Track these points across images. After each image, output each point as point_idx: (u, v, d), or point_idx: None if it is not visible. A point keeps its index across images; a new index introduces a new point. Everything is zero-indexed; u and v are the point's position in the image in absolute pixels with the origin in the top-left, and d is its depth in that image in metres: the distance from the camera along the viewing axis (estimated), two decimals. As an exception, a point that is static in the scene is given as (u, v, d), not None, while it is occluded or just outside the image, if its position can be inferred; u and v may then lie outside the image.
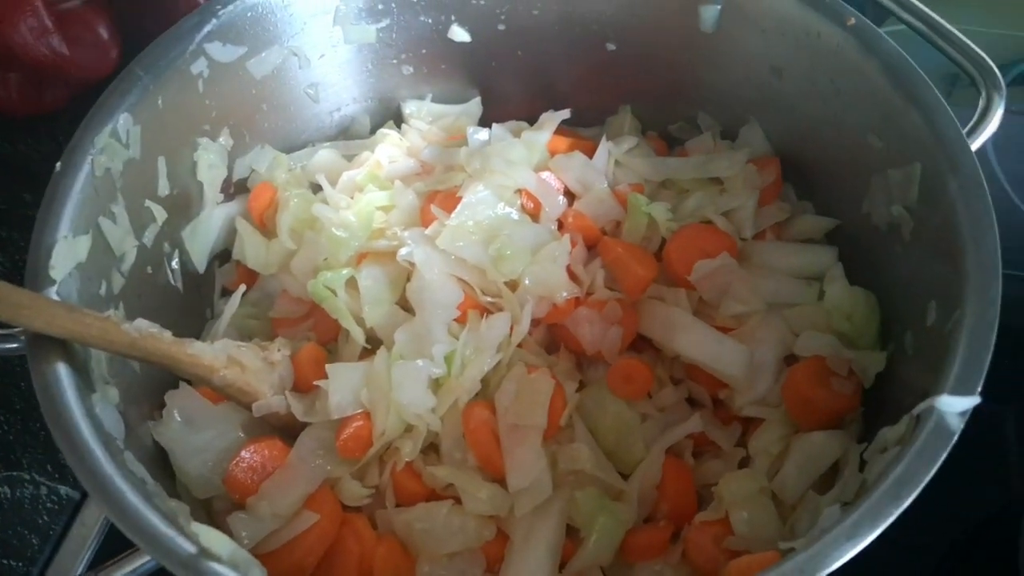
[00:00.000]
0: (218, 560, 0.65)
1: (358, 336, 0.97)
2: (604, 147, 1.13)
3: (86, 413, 0.74)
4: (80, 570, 1.01)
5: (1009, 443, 1.11)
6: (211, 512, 0.91)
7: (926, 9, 0.99)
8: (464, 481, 0.90)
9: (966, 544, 1.08)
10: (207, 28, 0.98)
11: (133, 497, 0.68)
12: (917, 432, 0.68)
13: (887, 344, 0.93)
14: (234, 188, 1.11)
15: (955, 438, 0.66)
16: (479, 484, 0.90)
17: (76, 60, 1.28)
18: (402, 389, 0.89)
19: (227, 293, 1.11)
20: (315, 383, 0.92)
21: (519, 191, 1.07)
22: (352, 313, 0.99)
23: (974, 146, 0.88)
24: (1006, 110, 0.94)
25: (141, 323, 0.82)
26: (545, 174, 1.10)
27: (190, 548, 0.65)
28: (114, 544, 1.02)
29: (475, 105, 1.23)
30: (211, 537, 0.67)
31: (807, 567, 0.60)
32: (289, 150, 1.15)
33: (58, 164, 0.87)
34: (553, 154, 1.13)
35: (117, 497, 0.68)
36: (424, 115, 1.21)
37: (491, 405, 0.94)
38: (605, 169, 1.12)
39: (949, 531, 1.07)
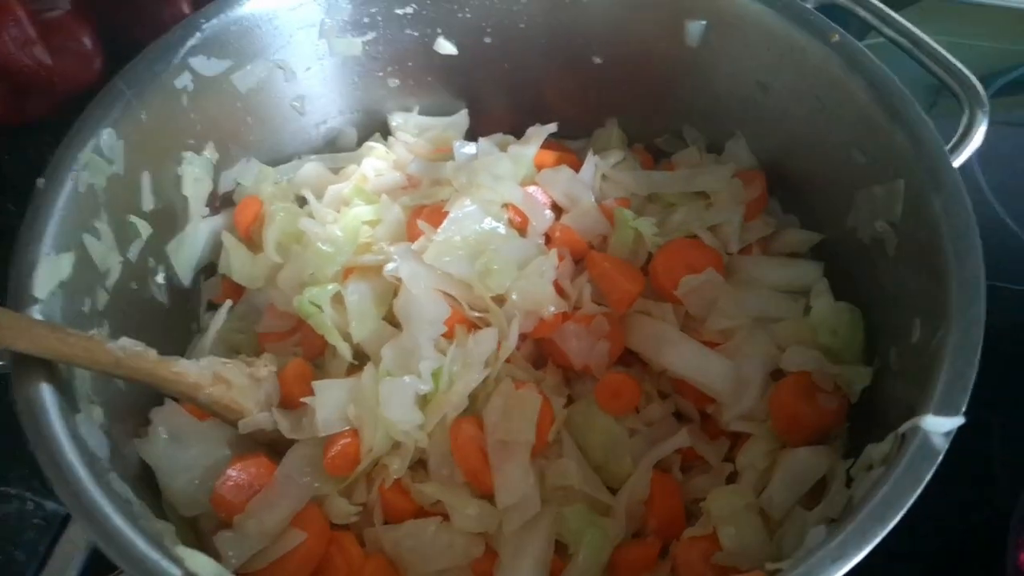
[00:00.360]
0: (203, 584, 0.65)
1: (345, 352, 0.97)
2: (591, 161, 1.13)
3: (70, 434, 0.73)
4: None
5: (994, 451, 1.12)
6: (198, 531, 0.91)
7: (909, 25, 0.99)
8: (452, 498, 0.89)
9: (952, 552, 1.08)
10: (191, 42, 0.97)
11: (118, 519, 0.68)
12: (902, 451, 0.68)
13: (872, 359, 0.94)
14: (220, 202, 1.10)
15: (939, 458, 0.66)
16: (467, 501, 0.90)
17: (59, 70, 1.27)
18: (389, 406, 0.89)
19: (213, 307, 1.10)
20: (302, 400, 0.92)
21: (506, 205, 1.07)
22: (339, 328, 0.98)
23: (957, 162, 0.90)
24: (990, 123, 0.94)
25: (126, 342, 0.81)
26: (532, 188, 1.10)
27: (175, 572, 0.65)
28: (102, 561, 1.01)
29: (462, 117, 1.23)
30: (197, 561, 0.67)
31: (793, 590, 0.61)
32: (275, 163, 1.15)
33: (40, 181, 0.86)
34: (540, 168, 1.13)
35: (101, 520, 0.67)
36: (411, 127, 1.21)
37: (479, 421, 0.94)
38: (592, 183, 1.12)
39: (935, 539, 1.08)
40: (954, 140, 0.93)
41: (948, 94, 0.98)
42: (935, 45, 0.97)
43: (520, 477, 0.90)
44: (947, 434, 0.67)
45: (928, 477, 0.65)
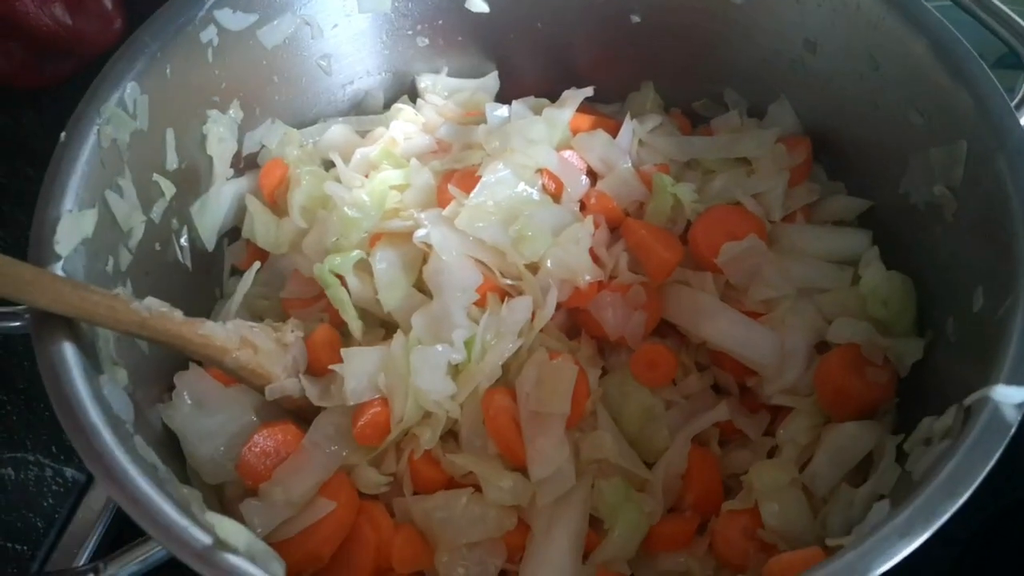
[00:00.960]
0: (235, 552, 0.62)
1: (356, 330, 0.94)
2: (628, 126, 1.09)
3: (94, 395, 0.70)
4: (87, 555, 0.99)
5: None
6: (223, 499, 0.88)
7: (969, -18, 0.94)
8: (485, 470, 0.86)
9: (988, 534, 1.05)
10: (216, -7, 0.93)
11: (144, 484, 0.65)
12: (969, 425, 0.64)
13: (925, 331, 0.89)
14: (244, 163, 1.07)
15: (1012, 431, 0.62)
16: (500, 473, 0.86)
17: (79, 30, 1.25)
18: (421, 375, 0.86)
19: (237, 272, 1.07)
20: (330, 367, 0.89)
21: (540, 171, 1.03)
22: (365, 297, 0.95)
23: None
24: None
25: (151, 302, 0.78)
26: (567, 153, 1.06)
27: (205, 539, 0.62)
28: (121, 528, 1.00)
29: (492, 79, 1.19)
30: (227, 527, 0.64)
31: (859, 566, 0.57)
32: (300, 125, 1.11)
33: (63, 134, 0.83)
34: (575, 133, 1.09)
35: (128, 484, 0.64)
36: (439, 89, 1.17)
37: (512, 392, 0.91)
38: (629, 148, 1.08)
39: (971, 522, 1.04)
40: (1017, 98, 0.88)
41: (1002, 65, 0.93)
42: (997, 2, 0.92)
43: (554, 450, 0.87)
44: (1019, 406, 0.63)
45: (1000, 451, 0.61)
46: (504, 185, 0.99)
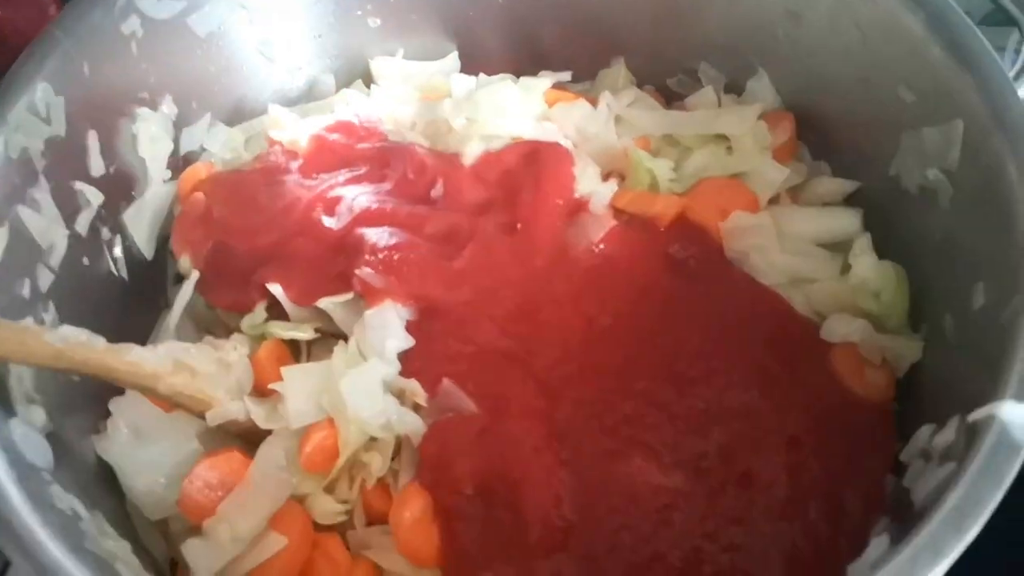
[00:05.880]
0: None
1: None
2: (604, 100, 1.02)
3: (3, 446, 0.63)
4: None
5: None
6: (168, 535, 0.82)
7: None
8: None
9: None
10: (136, -20, 0.85)
11: (57, 550, 0.58)
12: (974, 445, 0.57)
13: (919, 326, 0.83)
14: (183, 163, 0.99)
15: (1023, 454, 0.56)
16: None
17: (9, 20, 1.17)
18: (355, 401, 0.78)
19: (182, 280, 0.99)
20: (270, 386, 0.81)
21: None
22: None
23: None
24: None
25: (68, 331, 0.71)
26: (546, 124, 1.00)
27: (120, 609, 0.55)
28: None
29: (452, 60, 1.12)
30: (145, 594, 0.57)
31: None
32: (245, 117, 1.04)
33: (-38, 146, 0.75)
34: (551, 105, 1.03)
35: (38, 552, 0.57)
36: (395, 74, 1.09)
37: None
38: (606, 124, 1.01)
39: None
40: (1015, 69, 0.81)
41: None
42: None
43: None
44: (1031, 425, 0.57)
45: (1012, 477, 0.55)
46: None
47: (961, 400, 0.64)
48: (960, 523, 0.54)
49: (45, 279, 0.80)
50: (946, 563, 0.52)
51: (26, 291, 0.77)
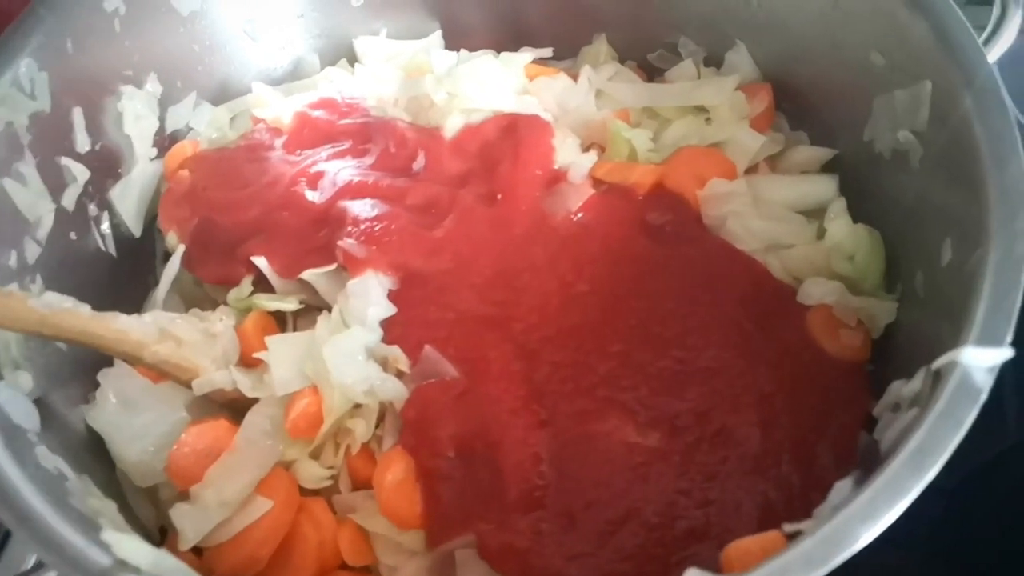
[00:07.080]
0: (135, 572, 0.57)
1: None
2: (585, 73, 1.03)
3: (-12, 407, 0.64)
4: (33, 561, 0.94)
5: (1006, 388, 1.03)
6: (157, 502, 0.83)
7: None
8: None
9: (974, 484, 1.00)
10: (119, -44, 0.86)
11: (38, 501, 0.59)
12: (937, 391, 0.59)
13: (894, 286, 0.84)
14: (168, 142, 1.00)
15: (983, 397, 0.57)
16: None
17: (-3, 4, 1.17)
18: (337, 368, 0.79)
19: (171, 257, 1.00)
20: (254, 355, 0.83)
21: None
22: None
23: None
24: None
25: (51, 297, 0.72)
26: (527, 97, 1.01)
27: (103, 560, 0.56)
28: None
29: (435, 39, 1.13)
30: (127, 546, 0.58)
31: (816, 555, 0.52)
32: (230, 96, 1.05)
33: (-52, 119, 0.76)
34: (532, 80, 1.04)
35: (17, 501, 0.59)
36: (378, 53, 1.10)
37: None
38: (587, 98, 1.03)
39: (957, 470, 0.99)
40: (984, 35, 0.82)
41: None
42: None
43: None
44: (991, 369, 0.58)
45: (971, 419, 0.56)
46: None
47: (929, 352, 0.65)
48: (920, 463, 0.55)
49: (32, 251, 0.81)
50: (904, 502, 0.53)
51: (13, 262, 0.78)
